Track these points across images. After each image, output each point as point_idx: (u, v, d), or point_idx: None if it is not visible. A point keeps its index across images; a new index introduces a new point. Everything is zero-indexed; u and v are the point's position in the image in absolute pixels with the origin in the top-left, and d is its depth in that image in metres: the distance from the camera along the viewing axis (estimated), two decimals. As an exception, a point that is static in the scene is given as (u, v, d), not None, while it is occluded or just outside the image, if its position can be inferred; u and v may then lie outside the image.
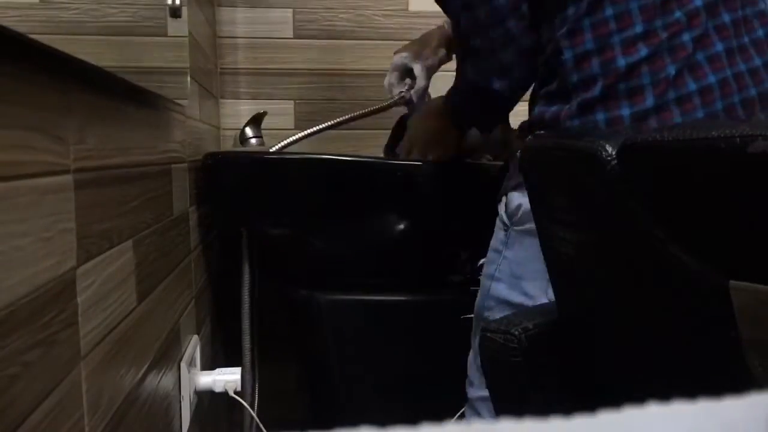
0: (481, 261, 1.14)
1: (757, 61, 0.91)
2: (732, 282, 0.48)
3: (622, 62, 0.89)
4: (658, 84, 0.88)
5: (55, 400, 0.52)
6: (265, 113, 1.73)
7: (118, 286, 0.70)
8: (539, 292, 0.97)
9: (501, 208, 1.06)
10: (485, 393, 1.02)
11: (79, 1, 0.63)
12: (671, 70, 0.88)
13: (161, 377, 0.91)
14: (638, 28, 0.89)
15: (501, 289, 1.02)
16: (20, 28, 0.47)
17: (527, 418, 0.21)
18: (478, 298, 1.09)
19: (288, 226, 1.40)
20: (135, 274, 0.78)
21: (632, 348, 0.63)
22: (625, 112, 0.89)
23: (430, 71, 1.41)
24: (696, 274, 0.51)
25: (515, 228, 1.01)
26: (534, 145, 0.74)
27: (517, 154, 1.02)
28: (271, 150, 1.48)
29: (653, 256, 0.55)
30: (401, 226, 1.40)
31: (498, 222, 1.06)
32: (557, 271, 0.74)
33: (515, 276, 1.01)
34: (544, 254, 0.76)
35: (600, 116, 0.90)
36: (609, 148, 0.55)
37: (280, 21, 1.84)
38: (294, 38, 1.85)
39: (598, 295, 0.67)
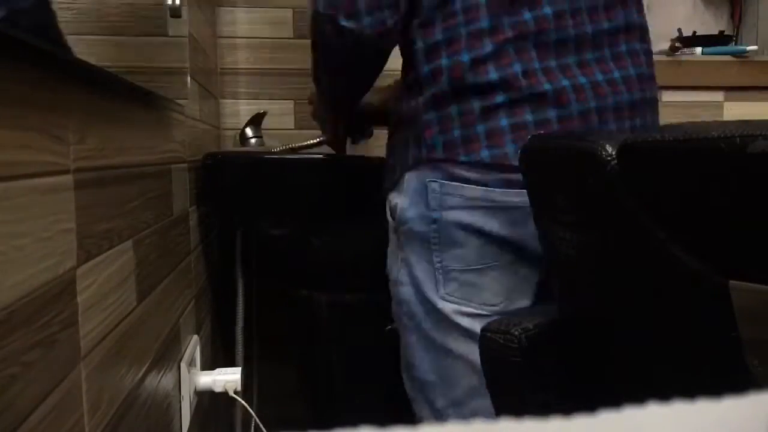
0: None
1: (616, 74, 0.93)
2: (732, 282, 0.48)
3: (466, 56, 0.89)
4: (506, 80, 0.89)
5: (55, 400, 0.52)
6: (265, 113, 1.73)
7: (118, 286, 0.70)
8: (432, 293, 0.95)
9: (387, 210, 1.03)
10: (432, 407, 0.99)
11: (79, 1, 0.63)
12: (516, 68, 0.89)
13: (161, 377, 0.91)
14: (484, 23, 0.89)
15: (406, 292, 0.99)
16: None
17: (527, 418, 0.21)
18: (393, 306, 1.05)
19: (288, 226, 1.40)
20: (135, 274, 0.78)
21: (632, 348, 0.63)
22: (476, 105, 0.90)
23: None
24: (696, 274, 0.51)
25: (401, 229, 0.99)
26: (534, 145, 0.74)
27: (391, 157, 1.01)
28: (274, 150, 1.49)
29: (653, 256, 0.55)
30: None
31: (389, 224, 1.04)
32: (557, 271, 0.74)
33: (413, 278, 0.98)
34: (544, 254, 0.76)
35: (453, 110, 0.91)
36: (609, 148, 0.55)
37: (280, 21, 1.84)
38: (294, 38, 1.85)
39: (598, 295, 0.67)
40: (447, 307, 0.94)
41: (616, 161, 0.54)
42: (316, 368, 1.50)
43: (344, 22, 0.93)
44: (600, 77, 0.92)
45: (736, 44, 2.04)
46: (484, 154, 0.90)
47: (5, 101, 0.46)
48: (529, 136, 0.81)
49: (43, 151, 0.52)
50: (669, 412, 0.22)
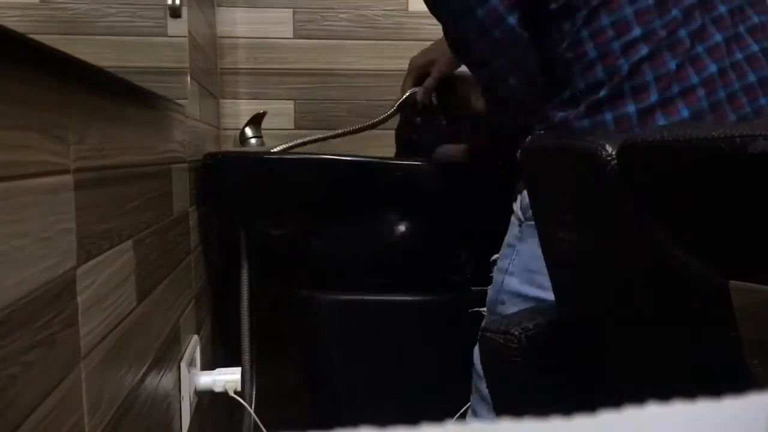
0: (495, 256, 1.14)
1: (754, 48, 0.92)
2: (732, 282, 0.48)
3: (624, 64, 0.89)
4: (661, 79, 0.89)
5: (55, 400, 0.52)
6: (264, 113, 1.73)
7: (118, 286, 0.70)
8: (546, 283, 0.98)
9: (516, 205, 1.07)
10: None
11: (79, 1, 0.63)
12: (672, 65, 0.89)
13: (161, 377, 0.91)
14: (636, 32, 0.90)
15: (514, 283, 1.03)
16: (20, 28, 0.47)
17: (527, 418, 0.21)
18: (490, 293, 1.09)
19: (288, 226, 1.40)
20: (135, 274, 0.78)
21: (632, 348, 0.63)
22: (631, 109, 0.89)
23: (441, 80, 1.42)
24: (696, 274, 0.51)
25: (528, 223, 1.02)
26: (534, 145, 0.74)
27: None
28: (272, 150, 1.49)
29: (653, 256, 0.55)
30: (401, 226, 1.40)
31: (513, 218, 1.08)
32: (557, 271, 0.74)
33: (528, 270, 1.01)
34: (544, 254, 0.76)
35: (607, 116, 0.91)
36: (609, 148, 0.55)
37: (280, 21, 1.84)
38: (294, 38, 1.85)
39: (597, 295, 0.67)
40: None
41: (616, 161, 0.54)
42: (316, 368, 1.50)
43: None
44: (740, 55, 0.92)
45: (736, 44, 2.04)
46: None
47: (5, 101, 0.46)
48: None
49: (43, 151, 0.52)
50: (669, 412, 0.22)
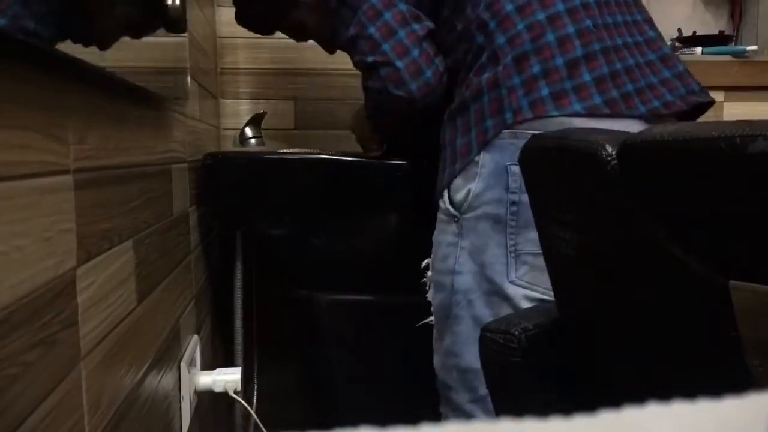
0: (426, 261, 1.12)
1: (655, 78, 1.03)
2: (732, 282, 0.48)
3: (542, 14, 0.98)
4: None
5: (55, 400, 0.52)
6: (265, 113, 1.73)
7: (118, 286, 0.70)
8: (502, 277, 0.97)
9: (443, 201, 1.05)
10: (476, 394, 1.02)
11: (79, 1, 0.63)
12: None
13: (161, 377, 0.91)
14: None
15: (466, 281, 1.01)
16: (20, 28, 0.46)
17: (527, 418, 0.21)
18: (440, 298, 1.06)
19: (288, 226, 1.40)
20: (135, 274, 0.78)
21: (632, 348, 0.63)
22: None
23: None
24: (696, 274, 0.51)
25: (467, 216, 1.00)
26: (534, 145, 0.74)
27: (447, 144, 1.04)
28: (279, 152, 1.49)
29: (653, 256, 0.55)
30: (401, 226, 1.40)
31: (442, 216, 1.06)
32: (557, 271, 0.74)
33: (479, 264, 1.00)
34: (544, 254, 0.76)
35: (535, 68, 0.96)
36: (609, 148, 0.55)
37: (280, 21, 1.84)
38: (294, 38, 1.85)
39: (598, 295, 0.67)
40: (516, 291, 0.97)
41: (616, 161, 0.54)
42: (316, 368, 1.50)
43: (395, 91, 1.07)
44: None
45: (736, 44, 2.04)
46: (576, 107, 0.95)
47: (5, 101, 0.46)
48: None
49: (43, 151, 0.52)
50: (669, 412, 0.22)
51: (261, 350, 1.66)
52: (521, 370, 0.76)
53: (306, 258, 1.44)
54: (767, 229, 0.46)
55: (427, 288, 1.13)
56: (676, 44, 1.96)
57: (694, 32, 1.99)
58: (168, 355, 0.96)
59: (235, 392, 1.21)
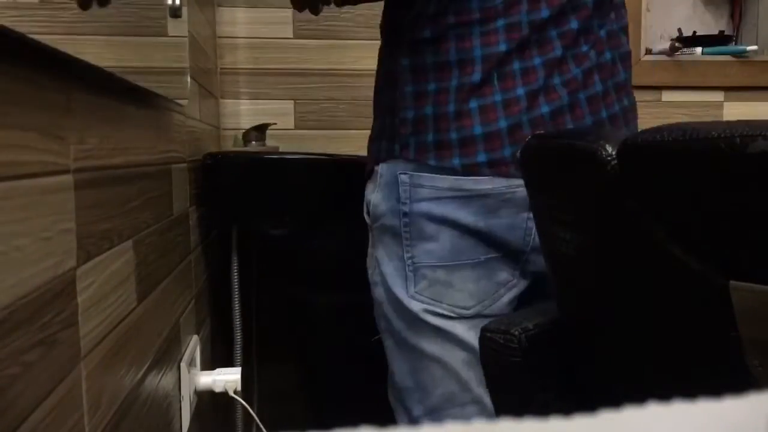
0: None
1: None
2: (732, 282, 0.48)
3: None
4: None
5: (55, 400, 0.52)
6: (274, 124, 1.73)
7: (118, 286, 0.70)
8: (401, 290, 0.93)
9: (364, 208, 1.01)
10: (410, 415, 0.97)
11: (79, 1, 0.63)
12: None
13: (161, 377, 0.91)
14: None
15: (379, 293, 0.97)
16: (20, 28, 0.47)
17: (527, 418, 0.21)
18: (374, 310, 1.01)
19: (288, 226, 1.40)
20: (135, 274, 0.78)
21: (632, 348, 0.63)
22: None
23: None
24: (696, 274, 0.51)
25: (374, 226, 0.97)
26: (533, 144, 0.74)
27: (375, 164, 0.97)
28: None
29: (653, 256, 0.55)
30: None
31: (367, 223, 1.02)
32: (557, 271, 0.74)
33: (383, 276, 0.95)
34: (544, 254, 0.76)
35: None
36: (609, 148, 0.55)
37: (280, 21, 1.84)
38: (294, 38, 1.85)
39: (598, 295, 0.67)
40: (416, 306, 0.92)
41: (616, 161, 0.54)
42: (316, 368, 1.50)
43: None
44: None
45: (736, 44, 2.04)
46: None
47: (5, 101, 0.46)
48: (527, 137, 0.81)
49: (43, 151, 0.52)
50: (669, 412, 0.22)
51: (261, 350, 1.66)
52: (521, 370, 0.76)
53: (306, 258, 1.44)
54: (767, 229, 0.46)
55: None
56: (676, 44, 1.96)
57: (694, 32, 1.99)
58: (168, 355, 0.96)
59: (235, 392, 1.21)
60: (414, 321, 0.92)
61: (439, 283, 0.91)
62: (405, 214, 0.91)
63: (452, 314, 0.90)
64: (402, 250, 0.92)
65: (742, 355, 0.49)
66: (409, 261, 0.92)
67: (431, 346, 0.92)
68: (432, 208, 0.89)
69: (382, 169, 0.95)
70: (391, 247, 0.94)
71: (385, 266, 0.95)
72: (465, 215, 0.88)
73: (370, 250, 1.00)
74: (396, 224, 0.92)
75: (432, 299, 0.91)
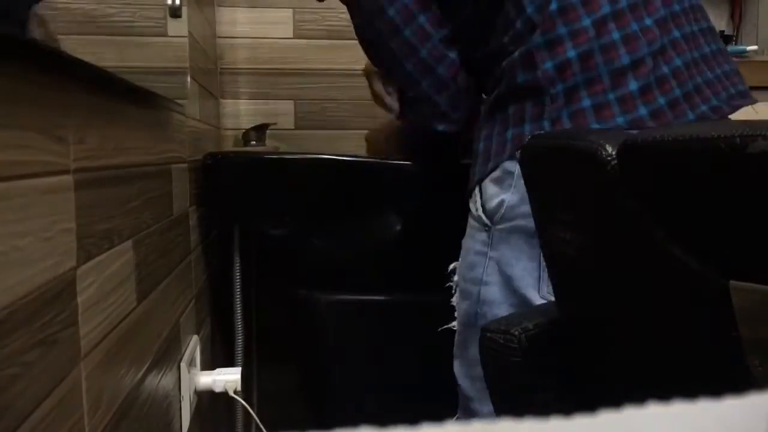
0: (453, 265, 1.09)
1: (709, 75, 0.95)
2: (732, 282, 0.48)
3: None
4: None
5: (55, 400, 0.52)
6: (275, 124, 1.73)
7: (118, 286, 0.70)
8: (532, 291, 0.95)
9: (475, 207, 1.02)
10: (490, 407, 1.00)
11: (79, 1, 0.63)
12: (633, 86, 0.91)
13: (161, 377, 0.91)
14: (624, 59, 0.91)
15: (493, 293, 0.98)
16: (20, 28, 0.46)
17: (527, 418, 0.21)
18: (464, 306, 1.04)
19: (288, 226, 1.40)
20: (135, 274, 0.78)
21: (632, 348, 0.63)
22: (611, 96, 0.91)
23: None
24: (696, 274, 0.51)
25: (499, 227, 0.97)
26: (534, 145, 0.74)
27: (481, 138, 1.02)
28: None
29: (653, 256, 0.55)
30: (401, 226, 1.40)
31: (473, 222, 1.03)
32: (557, 272, 0.74)
33: (507, 276, 0.97)
34: (543, 254, 0.76)
35: (586, 101, 0.92)
36: (609, 148, 0.55)
37: (280, 21, 1.84)
38: (294, 38, 1.85)
39: (597, 296, 0.67)
40: None
41: (616, 161, 0.54)
42: (316, 368, 1.50)
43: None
44: (699, 80, 0.94)
45: (736, 44, 2.04)
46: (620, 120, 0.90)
47: (5, 101, 0.46)
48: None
49: (43, 151, 0.52)
50: (669, 412, 0.22)
51: (261, 350, 1.66)
52: (521, 370, 0.76)
53: (306, 258, 1.44)
54: (767, 229, 0.46)
55: (453, 292, 1.11)
56: (676, 44, 1.96)
57: (694, 32, 1.98)
58: (168, 355, 0.96)
59: (235, 392, 1.21)
60: None
61: None
62: None
63: None
64: (538, 251, 0.93)
65: (742, 355, 0.49)
66: (545, 263, 0.95)
67: None
68: None
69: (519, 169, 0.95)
70: (521, 247, 0.95)
71: (512, 267, 0.96)
72: None
73: (478, 249, 1.01)
74: (533, 226, 0.95)
75: None
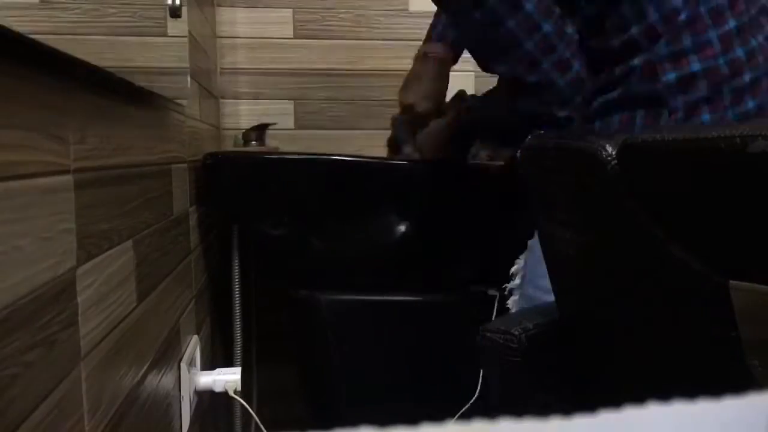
0: (515, 268, 1.10)
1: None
2: (732, 282, 0.48)
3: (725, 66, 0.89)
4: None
5: (55, 400, 0.52)
6: (275, 124, 1.73)
7: (118, 286, 0.70)
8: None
9: None
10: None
11: (79, 1, 0.63)
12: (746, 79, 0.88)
13: (161, 377, 0.91)
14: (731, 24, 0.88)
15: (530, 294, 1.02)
16: (20, 28, 0.46)
17: (527, 418, 0.21)
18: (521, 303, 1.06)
19: (288, 226, 1.40)
20: (135, 274, 0.78)
21: (632, 348, 0.63)
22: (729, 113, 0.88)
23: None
24: (696, 274, 0.51)
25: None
26: (534, 145, 0.74)
27: None
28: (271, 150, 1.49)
29: (653, 256, 0.55)
30: (401, 226, 1.40)
31: None
32: (557, 271, 0.74)
33: (536, 275, 1.00)
34: (544, 254, 0.76)
35: (705, 117, 0.88)
36: (609, 148, 0.55)
37: (280, 21, 1.84)
38: (294, 38, 1.85)
39: (598, 295, 0.67)
40: None
41: (616, 161, 0.54)
42: (316, 368, 1.50)
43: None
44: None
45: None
46: None
47: (5, 101, 0.46)
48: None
49: (43, 151, 0.52)
50: (669, 412, 0.22)
51: (261, 350, 1.66)
52: (521, 370, 0.76)
53: (306, 258, 1.44)
54: (767, 229, 0.46)
55: (507, 293, 1.11)
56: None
57: (694, 32, 1.98)
58: (168, 355, 0.96)
59: (235, 392, 1.21)
60: None
61: None
62: None
63: None
64: None
65: (742, 355, 0.49)
66: None
67: None
68: None
69: None
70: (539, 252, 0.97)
71: (532, 272, 0.99)
72: None
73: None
74: None
75: None
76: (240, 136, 1.74)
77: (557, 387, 0.76)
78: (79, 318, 0.58)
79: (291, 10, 1.84)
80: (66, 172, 0.56)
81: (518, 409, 0.78)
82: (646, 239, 0.54)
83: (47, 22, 0.56)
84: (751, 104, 0.89)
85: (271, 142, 1.76)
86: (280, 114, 1.84)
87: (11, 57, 0.47)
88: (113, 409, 0.68)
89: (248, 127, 1.73)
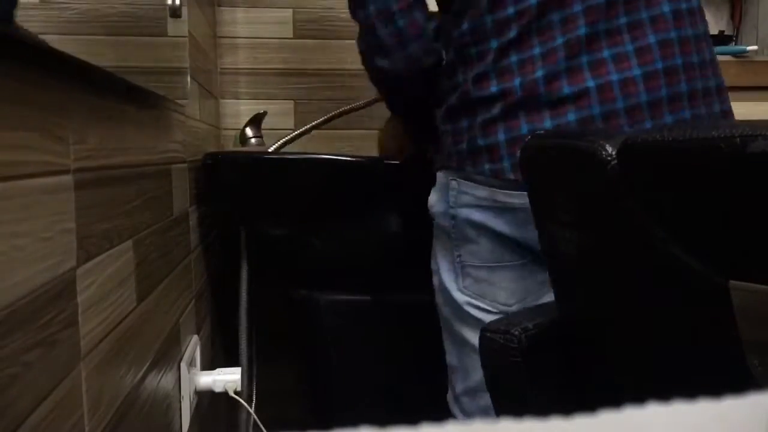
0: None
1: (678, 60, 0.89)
2: (732, 282, 0.48)
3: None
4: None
5: (55, 400, 0.52)
6: (265, 113, 1.73)
7: (118, 286, 0.70)
8: (452, 285, 1.01)
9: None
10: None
11: (79, 1, 0.63)
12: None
13: (161, 377, 0.91)
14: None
15: (436, 282, 1.06)
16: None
17: (527, 418, 0.21)
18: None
19: (288, 226, 1.40)
20: (135, 274, 0.78)
21: (632, 348, 0.63)
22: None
23: None
24: (696, 274, 0.51)
25: (433, 223, 1.06)
26: (534, 145, 0.74)
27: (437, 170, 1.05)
28: (270, 150, 1.48)
29: (653, 256, 0.55)
30: (401, 226, 1.40)
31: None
32: (557, 271, 0.74)
33: (438, 268, 1.05)
34: (544, 254, 0.76)
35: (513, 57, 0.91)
36: (609, 148, 0.55)
37: (280, 21, 1.84)
38: (294, 38, 1.85)
39: (598, 295, 0.67)
40: (462, 299, 1.00)
41: (616, 161, 0.54)
42: (316, 368, 1.50)
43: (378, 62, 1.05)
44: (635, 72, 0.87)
45: (736, 44, 2.04)
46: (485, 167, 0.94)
47: (5, 101, 0.46)
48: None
49: (43, 151, 0.52)
50: (669, 412, 0.22)
51: (261, 350, 1.66)
52: (521, 370, 0.76)
53: (306, 258, 1.44)
54: (767, 229, 0.46)
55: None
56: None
57: (694, 32, 1.98)
58: (168, 355, 0.96)
59: (235, 392, 1.21)
60: (459, 311, 1.01)
61: (483, 281, 0.98)
62: (453, 217, 0.99)
63: (494, 309, 0.97)
64: (452, 248, 1.00)
65: (742, 355, 0.49)
66: (458, 259, 1.00)
67: (473, 337, 0.97)
68: (473, 215, 0.97)
69: (438, 175, 1.04)
70: (444, 244, 1.02)
71: (440, 260, 1.04)
72: (500, 224, 0.95)
73: (433, 242, 1.09)
74: (447, 225, 1.01)
75: (476, 294, 0.99)
76: (237, 136, 1.74)
77: (557, 387, 0.76)
78: (79, 318, 0.58)
79: (291, 10, 1.84)
80: (66, 172, 0.56)
81: (518, 409, 0.78)
82: (646, 239, 0.54)
83: (47, 22, 0.56)
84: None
85: (271, 142, 1.76)
86: (280, 114, 1.84)
87: (11, 57, 0.47)
88: (113, 409, 0.68)
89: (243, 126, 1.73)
